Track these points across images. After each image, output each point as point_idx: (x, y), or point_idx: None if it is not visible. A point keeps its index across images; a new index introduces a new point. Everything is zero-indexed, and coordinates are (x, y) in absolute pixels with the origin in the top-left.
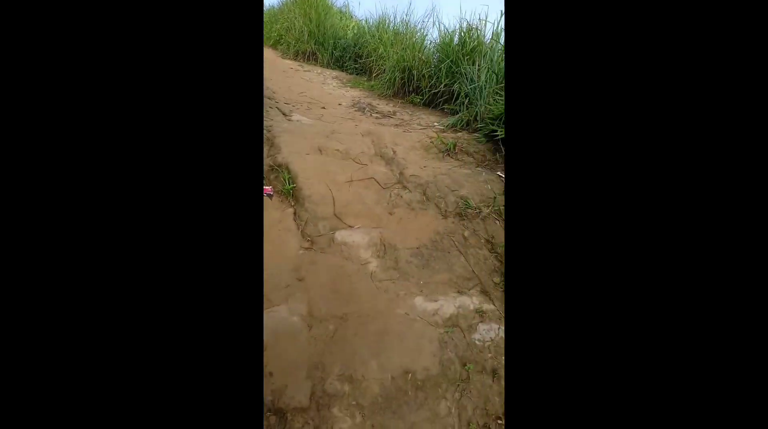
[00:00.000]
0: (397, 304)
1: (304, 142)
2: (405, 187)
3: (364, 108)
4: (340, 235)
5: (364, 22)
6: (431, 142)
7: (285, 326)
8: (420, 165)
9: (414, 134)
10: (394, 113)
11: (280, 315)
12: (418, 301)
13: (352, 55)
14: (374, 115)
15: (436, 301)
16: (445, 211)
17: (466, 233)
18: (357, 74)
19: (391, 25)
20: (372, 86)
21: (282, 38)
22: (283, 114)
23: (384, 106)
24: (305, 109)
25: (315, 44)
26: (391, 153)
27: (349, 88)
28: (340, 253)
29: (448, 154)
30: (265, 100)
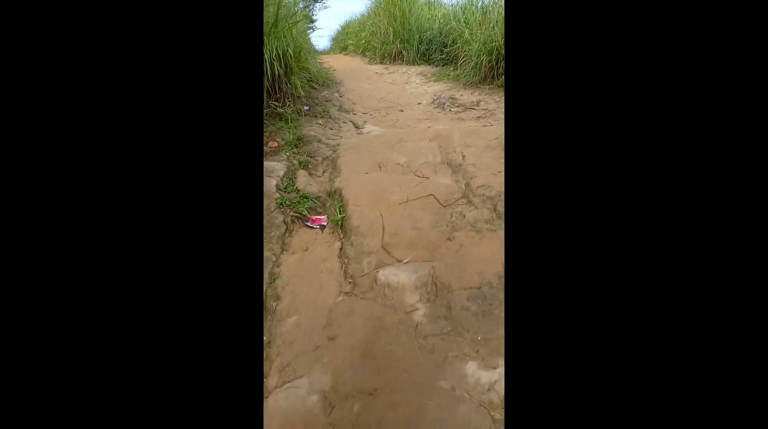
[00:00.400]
0: (442, 372)
1: (366, 159)
2: (470, 203)
3: (444, 103)
4: (384, 274)
5: (450, 7)
6: None
7: (300, 409)
8: (493, 170)
9: (495, 128)
10: (478, 103)
11: (299, 393)
12: (471, 367)
13: (438, 46)
14: (455, 109)
15: (494, 368)
16: None
17: None
18: (444, 65)
19: (480, 2)
20: (458, 76)
21: (369, 44)
22: (356, 127)
23: (468, 96)
24: (382, 115)
25: (400, 43)
26: (460, 158)
27: (432, 83)
28: (382, 298)
29: None
30: (342, 114)
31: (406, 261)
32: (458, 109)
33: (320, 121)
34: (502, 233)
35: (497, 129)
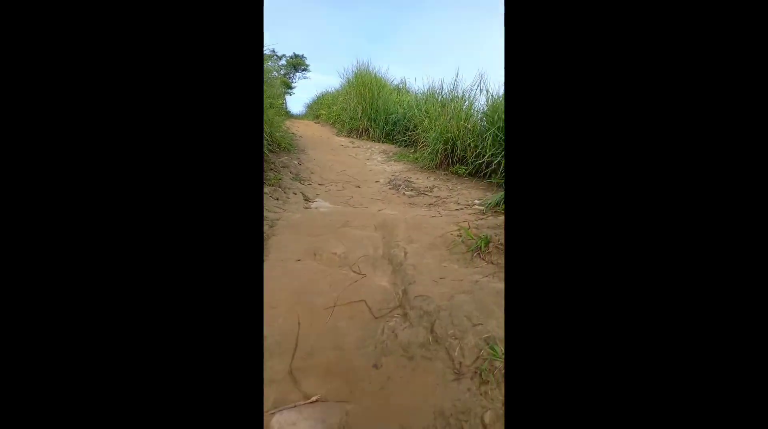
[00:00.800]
0: None
1: (303, 243)
2: (406, 316)
3: (400, 185)
4: (280, 423)
5: (414, 95)
6: (458, 235)
7: None
8: (435, 275)
9: (442, 220)
10: (432, 189)
11: None
12: None
13: (401, 128)
14: (408, 192)
15: None
16: (459, 365)
17: (488, 416)
18: (405, 146)
19: (439, 96)
20: (416, 158)
21: (339, 117)
22: (305, 199)
23: (424, 180)
24: (337, 189)
25: (368, 121)
26: (402, 255)
27: (392, 163)
28: None
29: (479, 255)
30: (295, 184)
31: (314, 399)
32: (412, 192)
33: (268, 189)
34: (439, 365)
35: (445, 222)
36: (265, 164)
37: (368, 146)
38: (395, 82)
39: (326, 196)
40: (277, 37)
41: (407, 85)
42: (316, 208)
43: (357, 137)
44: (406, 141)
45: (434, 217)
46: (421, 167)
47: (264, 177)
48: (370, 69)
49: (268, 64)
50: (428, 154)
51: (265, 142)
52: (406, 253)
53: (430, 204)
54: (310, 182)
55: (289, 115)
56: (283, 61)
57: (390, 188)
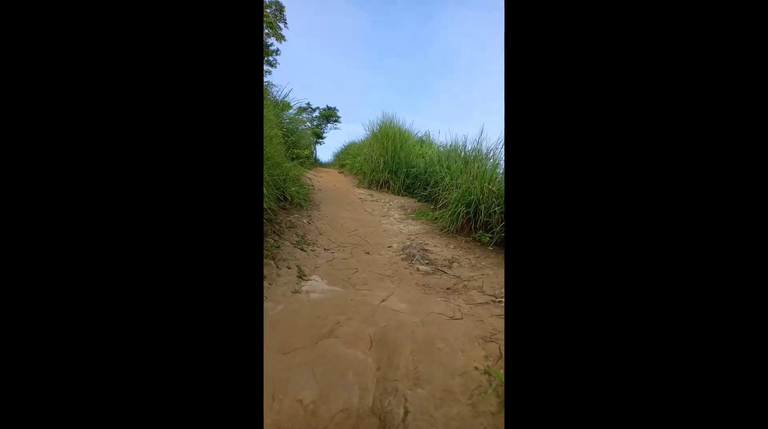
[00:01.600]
0: None
1: (267, 367)
2: None
3: (414, 255)
4: None
5: (435, 149)
6: (485, 372)
7: None
8: None
9: (462, 328)
10: (452, 263)
11: None
12: None
13: (422, 182)
14: (424, 267)
15: None
16: None
17: None
18: (425, 201)
19: (462, 152)
20: (435, 218)
21: (361, 169)
22: (300, 276)
23: (442, 248)
24: (343, 258)
25: (389, 173)
26: (401, 413)
27: (410, 221)
28: None
29: None
30: (296, 252)
31: None
32: (427, 267)
33: None
34: None
35: (466, 334)
36: (269, 226)
37: (387, 200)
38: (419, 134)
39: (326, 271)
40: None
41: (431, 137)
42: (307, 292)
43: (377, 189)
44: (426, 196)
45: (454, 318)
46: (441, 230)
47: (263, 243)
48: (395, 121)
49: (302, 115)
50: (449, 216)
51: (275, 197)
52: (406, 411)
53: (448, 288)
54: (315, 247)
55: (317, 163)
56: (316, 113)
57: (403, 259)
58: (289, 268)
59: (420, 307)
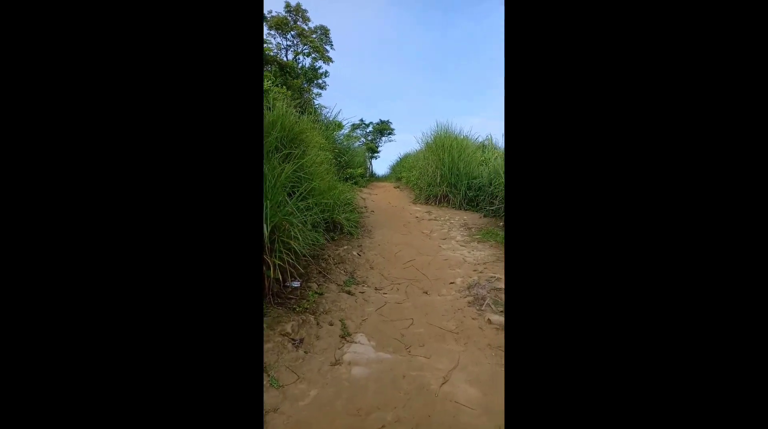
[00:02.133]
0: None
1: None
2: None
3: (484, 297)
4: None
5: (500, 154)
6: None
7: None
8: None
9: None
10: None
11: None
12: None
13: (487, 195)
14: (496, 316)
15: None
16: None
17: None
18: (492, 217)
19: None
20: None
21: (417, 183)
22: (343, 336)
23: None
24: (396, 300)
25: (447, 186)
26: None
27: (475, 244)
28: None
29: None
30: (341, 297)
31: None
32: (501, 318)
33: (295, 319)
34: None
35: None
36: (315, 264)
37: (447, 217)
38: (480, 139)
39: (375, 324)
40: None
41: (493, 140)
42: (349, 363)
43: (436, 204)
44: (493, 211)
45: None
46: None
47: (301, 290)
48: (451, 130)
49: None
50: None
51: (325, 227)
52: None
53: None
54: (365, 286)
55: (373, 177)
56: (370, 128)
57: (469, 302)
58: (332, 324)
59: (497, 395)
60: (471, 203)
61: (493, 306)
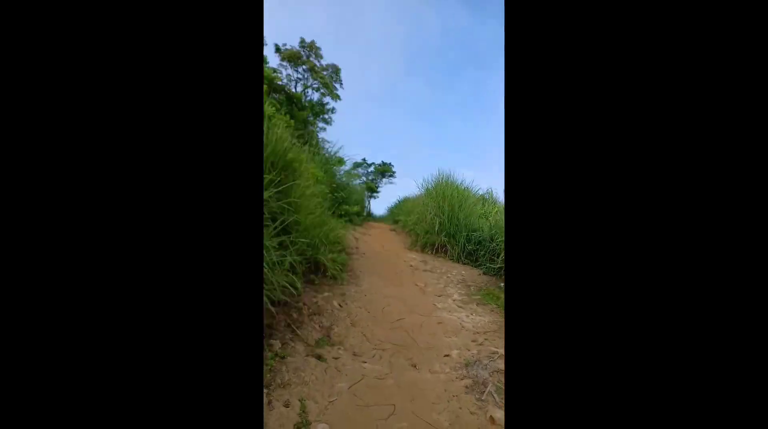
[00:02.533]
0: None
1: None
2: None
3: (486, 384)
4: None
5: (500, 209)
6: None
7: None
8: None
9: None
10: None
11: None
12: None
13: (488, 251)
14: (500, 414)
15: None
16: None
17: None
18: (493, 275)
19: None
20: None
21: (414, 229)
22: (300, 427)
23: None
24: (377, 375)
25: (446, 236)
26: None
27: (474, 307)
28: None
29: None
30: (313, 363)
31: None
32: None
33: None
34: None
35: None
36: (285, 313)
37: (444, 270)
38: (480, 192)
39: (345, 409)
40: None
41: (494, 194)
42: None
43: (432, 254)
44: (494, 269)
45: None
46: None
47: (264, 350)
48: (452, 179)
49: (357, 170)
50: None
51: (305, 269)
52: None
53: None
54: (341, 350)
55: (370, 217)
56: (371, 168)
57: (467, 388)
58: (288, 405)
59: None
60: (470, 257)
61: (496, 396)
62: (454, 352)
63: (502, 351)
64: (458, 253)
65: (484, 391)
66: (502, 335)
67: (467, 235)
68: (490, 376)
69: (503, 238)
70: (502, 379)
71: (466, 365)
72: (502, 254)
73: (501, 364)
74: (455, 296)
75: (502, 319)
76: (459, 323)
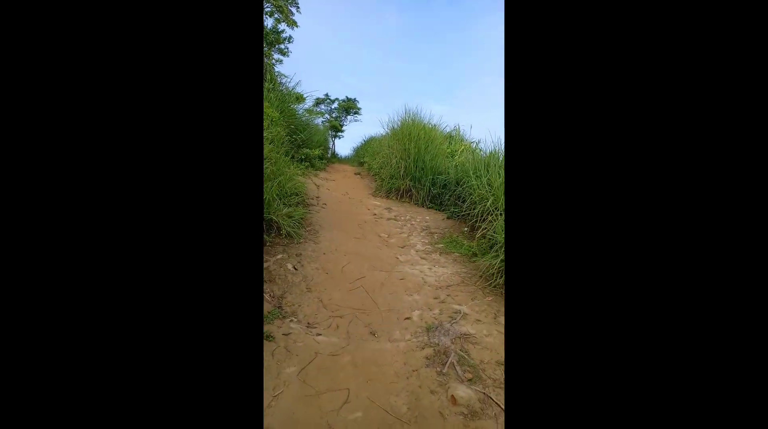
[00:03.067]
0: None
1: None
2: None
3: (448, 354)
4: None
5: (469, 147)
6: None
7: None
8: None
9: None
10: None
11: None
12: None
13: (452, 194)
14: (462, 390)
15: None
16: None
17: None
18: (458, 219)
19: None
20: (474, 253)
21: (379, 173)
22: None
23: (491, 326)
24: (331, 350)
25: (411, 181)
26: None
27: (437, 258)
28: None
29: None
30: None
31: None
32: (471, 392)
33: None
34: None
35: None
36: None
37: (408, 217)
38: (447, 129)
39: (291, 405)
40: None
41: (461, 131)
42: None
43: (397, 199)
44: (458, 213)
45: None
46: (483, 275)
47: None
48: (419, 117)
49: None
50: (491, 256)
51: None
52: None
53: None
54: (293, 324)
55: (334, 157)
56: (335, 105)
57: (427, 359)
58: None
59: None
60: (434, 200)
61: (458, 368)
62: (415, 314)
63: (464, 309)
64: (423, 197)
65: (445, 363)
66: (465, 290)
67: (432, 179)
68: (452, 343)
69: (472, 183)
70: (465, 347)
71: (428, 330)
72: (470, 199)
73: (463, 327)
74: (418, 246)
75: (466, 270)
76: (421, 278)
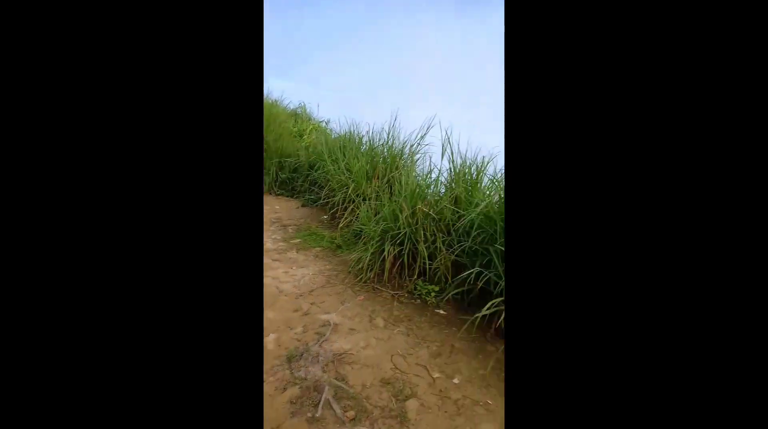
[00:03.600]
0: None
1: None
2: None
3: (321, 388)
4: None
5: (321, 129)
6: None
7: None
8: None
9: None
10: (403, 399)
11: None
12: None
13: (305, 180)
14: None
15: None
16: None
17: None
18: (315, 205)
19: (365, 138)
20: (338, 246)
21: None
22: None
23: (366, 332)
24: None
25: None
26: None
27: (294, 257)
28: None
29: None
30: None
31: None
32: (357, 426)
33: None
34: None
35: None
36: None
37: None
38: (292, 106)
39: None
40: None
41: (307, 109)
42: None
43: None
44: (315, 201)
45: None
46: (352, 274)
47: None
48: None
49: None
50: (368, 260)
51: None
52: None
53: None
54: None
55: None
56: None
57: (292, 405)
58: None
59: None
60: (284, 187)
61: (336, 406)
62: (270, 340)
63: (334, 318)
64: (270, 184)
65: (318, 402)
66: (332, 292)
67: (280, 162)
68: (324, 371)
69: (329, 168)
70: (341, 372)
71: (289, 360)
72: (328, 186)
73: (336, 344)
74: (269, 244)
75: (330, 266)
76: (275, 287)
